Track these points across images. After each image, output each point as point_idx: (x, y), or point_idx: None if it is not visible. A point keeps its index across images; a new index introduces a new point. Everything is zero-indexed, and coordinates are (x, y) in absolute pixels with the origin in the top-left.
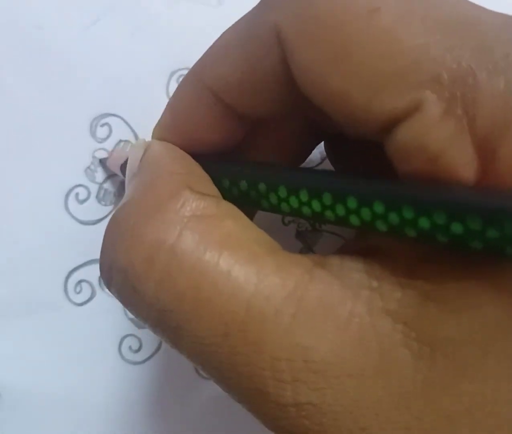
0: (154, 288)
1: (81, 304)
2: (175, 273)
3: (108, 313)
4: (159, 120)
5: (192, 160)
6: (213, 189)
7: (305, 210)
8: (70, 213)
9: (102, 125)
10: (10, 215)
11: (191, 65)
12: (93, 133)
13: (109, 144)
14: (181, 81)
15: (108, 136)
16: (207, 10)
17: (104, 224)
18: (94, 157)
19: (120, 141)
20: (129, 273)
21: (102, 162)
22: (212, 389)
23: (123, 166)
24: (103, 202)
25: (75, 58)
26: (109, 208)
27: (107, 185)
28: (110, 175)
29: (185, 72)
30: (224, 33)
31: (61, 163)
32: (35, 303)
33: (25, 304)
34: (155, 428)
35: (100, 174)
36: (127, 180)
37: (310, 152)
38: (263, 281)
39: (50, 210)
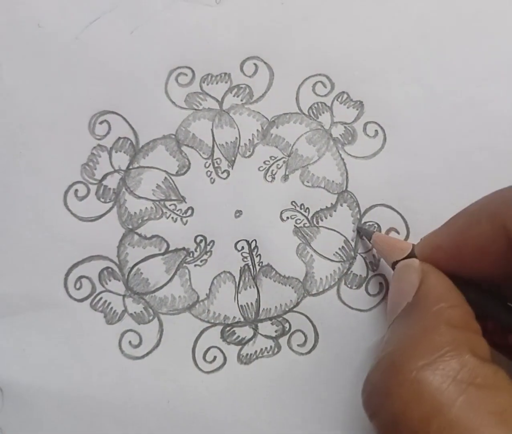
0: None
1: (81, 300)
2: None
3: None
4: (431, 237)
5: (468, 307)
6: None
7: None
8: (69, 210)
9: (101, 122)
10: (10, 213)
11: (190, 63)
12: (92, 130)
13: (108, 142)
14: (471, 210)
15: (107, 133)
16: (206, 9)
17: (104, 220)
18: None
19: (119, 138)
20: (401, 423)
21: (364, 233)
22: (211, 383)
23: (394, 264)
24: (102, 199)
25: (74, 56)
26: (109, 205)
27: (106, 182)
28: None
29: (184, 70)
30: None
31: (60, 160)
32: (36, 299)
33: (26, 300)
34: (154, 422)
35: (99, 171)
36: (396, 300)
37: None
38: None
39: (50, 207)
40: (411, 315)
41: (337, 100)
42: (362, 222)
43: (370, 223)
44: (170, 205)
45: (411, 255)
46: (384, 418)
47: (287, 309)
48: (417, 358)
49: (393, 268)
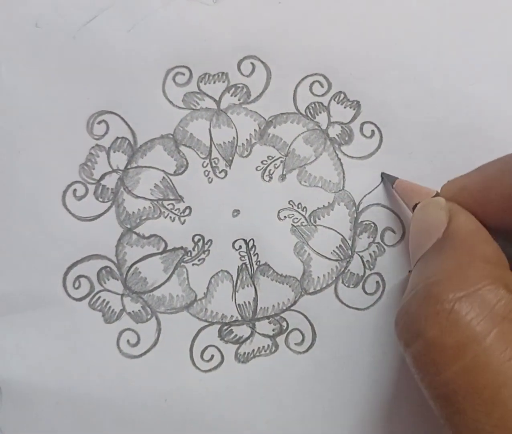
0: (456, 373)
1: (80, 299)
2: (481, 368)
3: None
4: (462, 179)
5: (497, 245)
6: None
7: None
8: (68, 209)
9: (99, 122)
10: (8, 212)
11: (187, 62)
12: (90, 130)
13: (106, 141)
14: (506, 158)
15: (105, 133)
16: (203, 8)
17: (102, 220)
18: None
19: (117, 138)
20: (437, 349)
21: (388, 178)
22: (209, 382)
23: (415, 206)
24: (100, 199)
25: (72, 56)
26: (107, 204)
27: (105, 182)
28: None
29: (182, 70)
30: None
31: (58, 160)
32: (34, 298)
33: (25, 299)
34: (152, 420)
35: (97, 171)
36: (421, 235)
37: None
38: None
39: (48, 207)
40: (443, 250)
41: (334, 100)
42: (359, 221)
43: (367, 222)
44: (168, 204)
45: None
46: (419, 346)
47: (284, 308)
48: (454, 290)
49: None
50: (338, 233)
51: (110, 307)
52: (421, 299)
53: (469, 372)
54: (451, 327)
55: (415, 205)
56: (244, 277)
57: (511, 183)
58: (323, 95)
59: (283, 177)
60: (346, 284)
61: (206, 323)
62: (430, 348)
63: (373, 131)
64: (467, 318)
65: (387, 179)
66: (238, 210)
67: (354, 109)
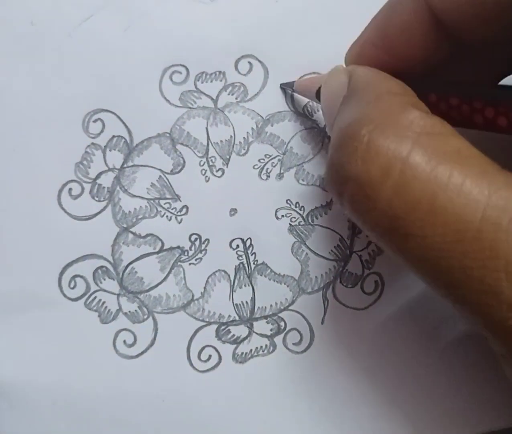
0: (389, 196)
1: (76, 299)
2: (410, 182)
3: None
4: (358, 40)
5: (401, 81)
6: (426, 108)
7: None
8: (63, 209)
9: (95, 120)
10: (3, 212)
11: (184, 61)
12: (85, 129)
13: (102, 140)
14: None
15: (101, 132)
16: (200, 7)
17: (98, 219)
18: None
19: (113, 137)
20: (365, 181)
21: (287, 86)
22: (206, 382)
23: (318, 92)
24: (96, 198)
25: (68, 54)
26: (103, 204)
27: (101, 180)
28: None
29: (179, 68)
30: None
31: (53, 159)
32: (30, 298)
33: (20, 300)
34: (149, 421)
35: (93, 170)
36: (330, 103)
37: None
38: (496, 193)
39: (44, 206)
40: (350, 102)
41: None
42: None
43: None
44: (164, 204)
45: None
46: (349, 189)
47: (282, 308)
48: (366, 124)
49: (318, 98)
50: (336, 232)
51: (106, 307)
52: (338, 146)
53: (401, 190)
54: (372, 157)
55: (318, 89)
56: (242, 277)
57: (402, 15)
58: None
59: (280, 176)
60: (344, 284)
61: (204, 323)
62: (359, 185)
63: None
64: (384, 143)
65: (288, 88)
66: (236, 209)
67: None
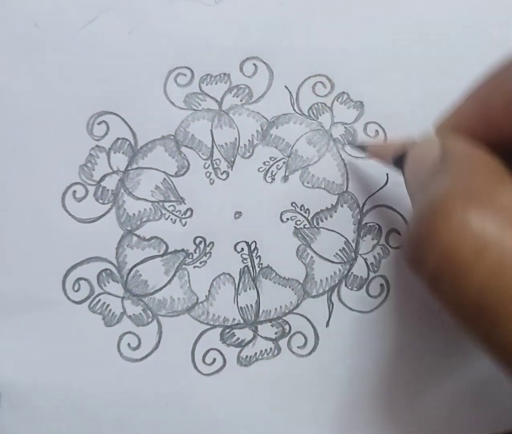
0: (481, 280)
1: (80, 302)
2: (507, 268)
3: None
4: (453, 109)
5: (498, 159)
6: None
7: None
8: (67, 211)
9: (99, 123)
10: (7, 214)
11: (189, 64)
12: (90, 131)
13: (106, 142)
14: (493, 73)
15: (105, 134)
16: (205, 9)
17: (102, 221)
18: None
19: (118, 139)
20: (455, 260)
21: (354, 145)
22: (211, 386)
23: (398, 159)
24: (100, 200)
25: (72, 56)
26: (107, 206)
27: (105, 183)
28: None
29: (183, 70)
30: None
31: (58, 161)
32: (34, 301)
33: (24, 302)
34: (154, 424)
35: (97, 172)
36: (418, 173)
37: None
38: None
39: (48, 209)
40: (443, 175)
41: (337, 100)
42: (363, 223)
43: (371, 224)
44: (169, 206)
45: None
46: (432, 261)
47: (287, 311)
48: (462, 199)
49: (395, 164)
50: (342, 235)
51: (110, 310)
52: (425, 218)
53: (496, 274)
54: (465, 235)
55: (399, 156)
56: (246, 280)
57: (505, 92)
58: (326, 96)
59: (285, 178)
60: (350, 287)
61: (208, 326)
62: (447, 263)
63: (377, 131)
64: (480, 222)
65: (360, 150)
66: (240, 212)
67: (357, 109)
